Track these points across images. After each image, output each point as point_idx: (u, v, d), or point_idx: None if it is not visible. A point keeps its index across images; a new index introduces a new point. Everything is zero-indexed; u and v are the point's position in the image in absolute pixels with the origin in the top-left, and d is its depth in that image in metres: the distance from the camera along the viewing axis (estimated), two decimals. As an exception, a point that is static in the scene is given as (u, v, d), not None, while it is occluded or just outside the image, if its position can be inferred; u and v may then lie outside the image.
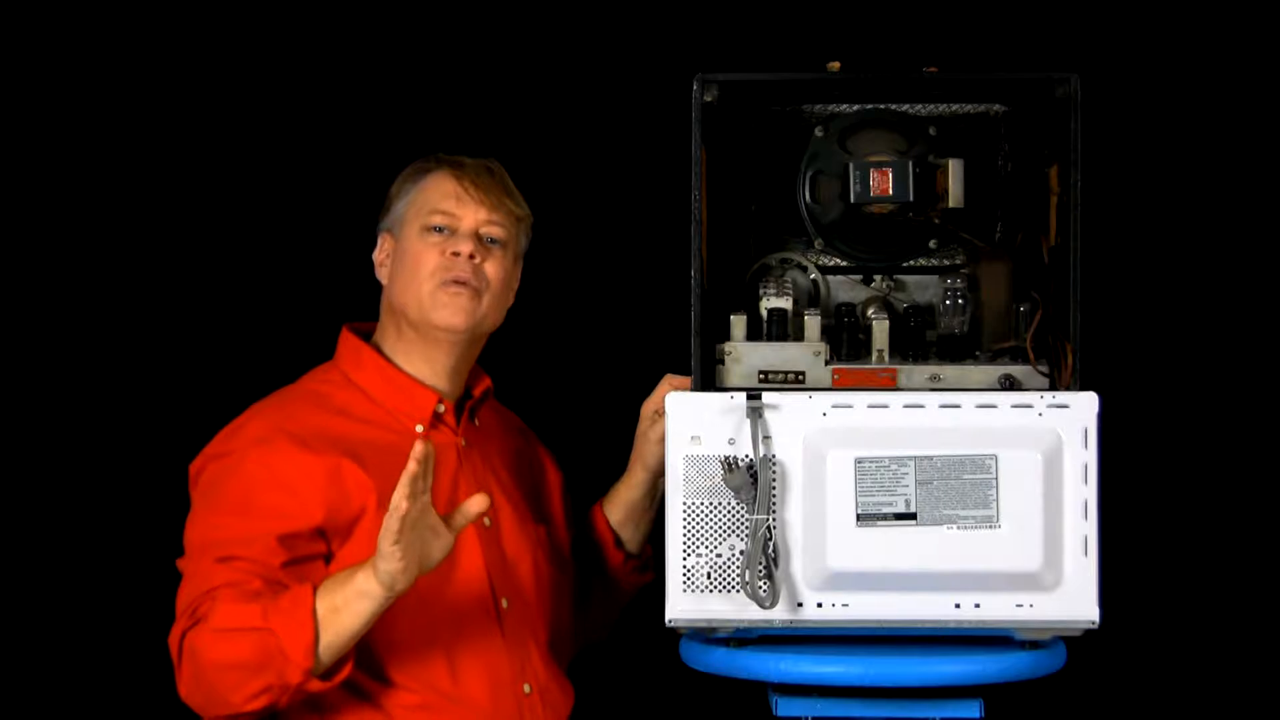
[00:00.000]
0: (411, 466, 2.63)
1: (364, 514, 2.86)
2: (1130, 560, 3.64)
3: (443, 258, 2.97)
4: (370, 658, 2.85)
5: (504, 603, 2.97)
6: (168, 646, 2.81)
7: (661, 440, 3.01)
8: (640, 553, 3.22)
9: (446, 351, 3.01)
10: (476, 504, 2.74)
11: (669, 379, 3.03)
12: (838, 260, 3.08)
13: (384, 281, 3.05)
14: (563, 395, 3.90)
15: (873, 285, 3.08)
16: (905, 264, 3.07)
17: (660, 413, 3.02)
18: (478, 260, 2.97)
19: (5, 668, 3.94)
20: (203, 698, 2.78)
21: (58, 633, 3.96)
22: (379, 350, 3.03)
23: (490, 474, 3.06)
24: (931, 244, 3.05)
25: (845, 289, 3.09)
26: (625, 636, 3.41)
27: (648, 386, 3.06)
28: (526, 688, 2.96)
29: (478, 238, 3.00)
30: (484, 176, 3.02)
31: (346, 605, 2.72)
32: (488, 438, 3.10)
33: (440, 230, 2.98)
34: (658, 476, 3.10)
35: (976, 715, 2.86)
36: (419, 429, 2.97)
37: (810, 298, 3.06)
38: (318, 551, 2.84)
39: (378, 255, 3.07)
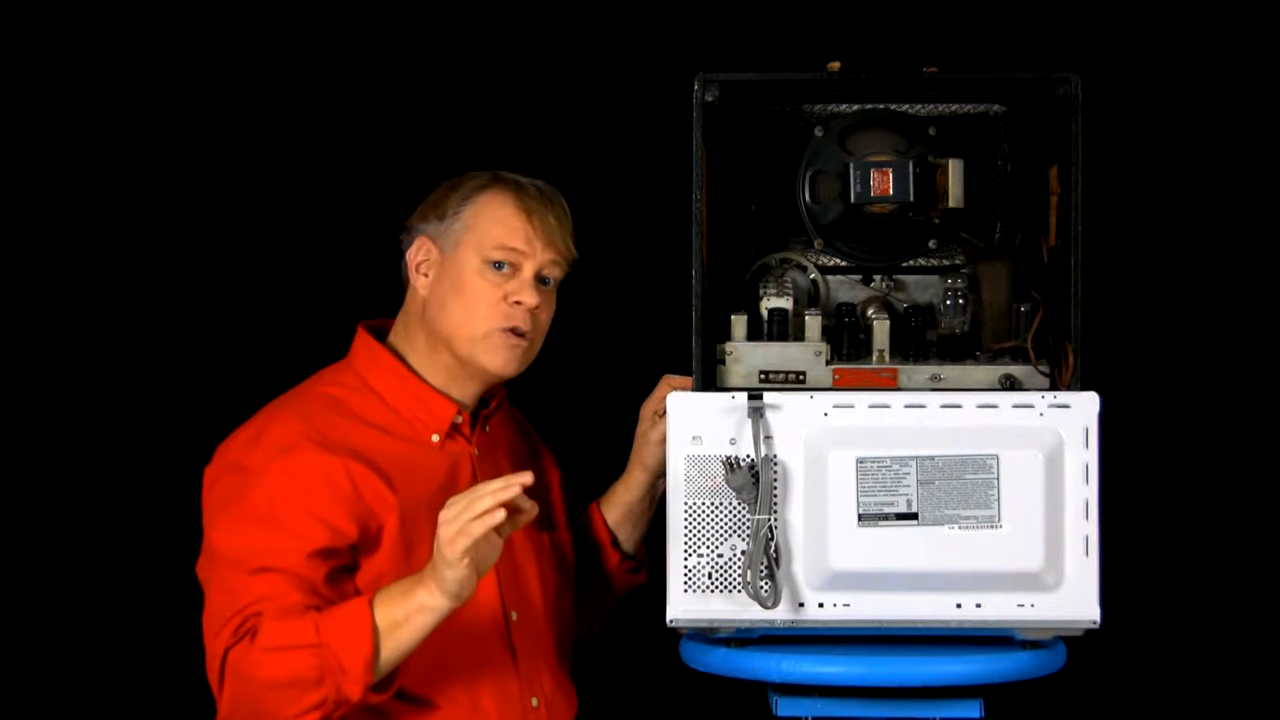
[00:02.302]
0: (515, 486, 2.67)
1: (385, 528, 2.84)
2: (1131, 560, 3.65)
3: (504, 303, 2.91)
4: None
5: (513, 615, 2.96)
6: (206, 663, 2.78)
7: (661, 442, 3.01)
8: (635, 553, 3.21)
9: (483, 382, 2.99)
10: (529, 511, 2.75)
11: (668, 379, 3.02)
12: (837, 260, 3.08)
13: (422, 292, 2.97)
14: (563, 395, 3.89)
15: (872, 285, 3.08)
16: (905, 264, 3.07)
17: (660, 414, 3.01)
18: (538, 309, 2.94)
19: (16, 666, 3.94)
20: (248, 714, 2.75)
21: (70, 632, 3.96)
22: (396, 352, 2.99)
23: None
24: (931, 244, 3.05)
25: (845, 289, 3.09)
26: (625, 636, 3.42)
27: (647, 387, 3.06)
28: (534, 701, 2.96)
29: (537, 279, 2.95)
30: (549, 211, 2.96)
31: (408, 620, 2.72)
32: (497, 445, 3.08)
33: (501, 267, 2.92)
34: (657, 478, 3.10)
35: (976, 715, 2.86)
36: (435, 439, 2.95)
37: (810, 298, 3.06)
38: (348, 564, 2.82)
39: (414, 257, 2.98)
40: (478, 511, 2.65)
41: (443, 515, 2.69)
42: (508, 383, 3.12)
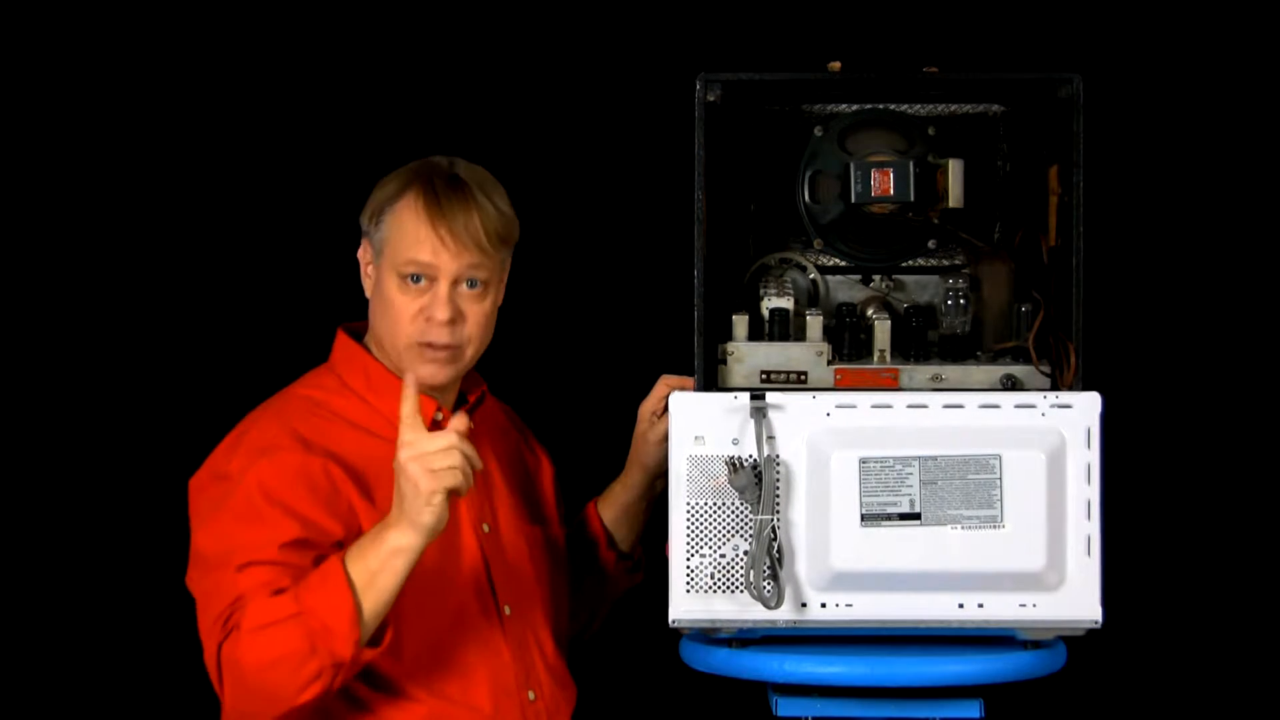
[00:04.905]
0: (462, 425, 2.72)
1: (367, 529, 2.82)
2: (1132, 560, 3.65)
3: (419, 316, 2.89)
4: (374, 668, 2.82)
5: (506, 609, 2.95)
6: (206, 667, 2.76)
7: (660, 442, 3.01)
8: (632, 553, 3.21)
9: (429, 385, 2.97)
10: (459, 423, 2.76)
11: (666, 379, 3.02)
12: (837, 260, 3.08)
13: (367, 294, 2.97)
14: (562, 395, 3.90)
15: (871, 285, 3.08)
16: (904, 264, 3.07)
17: (659, 414, 3.01)
18: (455, 320, 2.90)
19: (7, 678, 3.94)
20: (253, 704, 2.72)
21: (57, 643, 3.95)
22: (371, 353, 2.98)
23: (489, 479, 3.05)
24: (931, 244, 3.05)
25: (844, 289, 3.09)
26: (625, 636, 3.41)
27: (647, 386, 3.05)
28: (531, 695, 2.95)
29: (457, 282, 2.89)
30: (460, 213, 2.89)
31: (384, 567, 2.70)
32: (481, 440, 3.06)
33: (418, 279, 2.89)
34: (655, 478, 3.09)
35: (976, 715, 2.86)
36: None
37: (810, 298, 3.06)
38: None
39: (361, 257, 2.99)
40: (448, 463, 2.69)
41: (404, 455, 2.69)
42: (502, 380, 3.13)
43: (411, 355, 2.90)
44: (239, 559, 2.75)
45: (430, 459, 2.70)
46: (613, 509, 3.18)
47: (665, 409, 2.90)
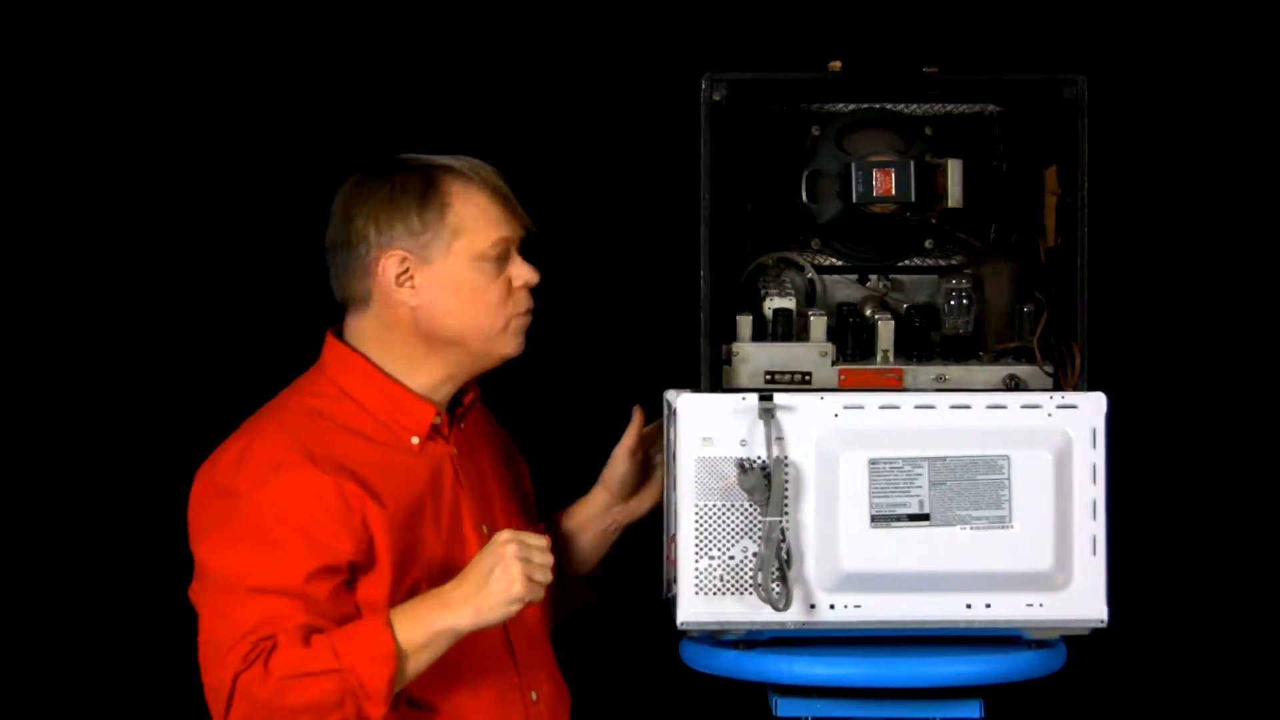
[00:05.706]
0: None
1: (379, 544, 2.81)
2: (1137, 559, 3.66)
3: (514, 291, 2.92)
4: None
5: (511, 613, 2.95)
6: (205, 684, 2.76)
7: (627, 455, 3.06)
8: (582, 572, 3.20)
9: (473, 373, 2.98)
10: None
11: (639, 413, 3.05)
12: (834, 260, 3.07)
13: (411, 302, 2.90)
14: (562, 396, 3.89)
15: (869, 285, 3.08)
16: (901, 264, 3.07)
17: (632, 452, 3.06)
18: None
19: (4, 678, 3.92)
20: None
21: (53, 644, 3.93)
22: (370, 360, 2.94)
23: (484, 480, 3.03)
24: (928, 244, 3.05)
25: (841, 289, 3.08)
26: (625, 636, 3.40)
27: (647, 389, 3.03)
28: (534, 695, 2.95)
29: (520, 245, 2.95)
30: (499, 182, 2.95)
31: (430, 643, 2.73)
32: (475, 442, 3.06)
33: (500, 258, 2.92)
34: (616, 499, 3.11)
35: (976, 715, 2.87)
36: (414, 441, 2.92)
37: (807, 298, 3.06)
38: (347, 580, 2.80)
39: (390, 270, 2.90)
40: (542, 578, 2.75)
41: (512, 549, 2.73)
42: (501, 382, 3.11)
43: (506, 335, 2.94)
44: (250, 582, 2.73)
45: (534, 563, 2.75)
46: (573, 519, 3.17)
47: (642, 440, 3.01)
